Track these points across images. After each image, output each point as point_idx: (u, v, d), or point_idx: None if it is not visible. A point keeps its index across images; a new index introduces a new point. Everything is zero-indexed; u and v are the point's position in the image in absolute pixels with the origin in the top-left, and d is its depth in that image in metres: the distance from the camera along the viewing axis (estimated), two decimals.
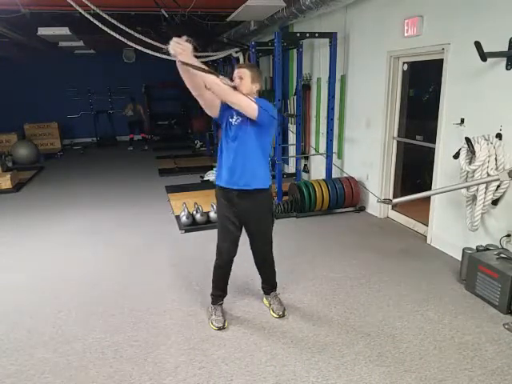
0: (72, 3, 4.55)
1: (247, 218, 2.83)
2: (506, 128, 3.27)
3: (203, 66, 2.35)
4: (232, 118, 2.68)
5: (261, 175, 2.74)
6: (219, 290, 3.02)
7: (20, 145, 9.28)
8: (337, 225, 4.98)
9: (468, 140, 3.34)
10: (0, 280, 3.76)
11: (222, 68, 8.92)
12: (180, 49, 2.21)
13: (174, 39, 2.21)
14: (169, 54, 2.26)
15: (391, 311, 3.08)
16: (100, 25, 5.00)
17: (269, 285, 3.15)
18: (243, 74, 2.64)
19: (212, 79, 2.37)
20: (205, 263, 3.94)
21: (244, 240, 2.94)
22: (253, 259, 3.05)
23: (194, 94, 2.56)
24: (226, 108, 2.66)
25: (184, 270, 3.85)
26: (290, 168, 7.50)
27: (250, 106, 2.51)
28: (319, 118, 6.37)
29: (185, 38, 2.24)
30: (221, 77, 2.39)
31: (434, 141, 4.11)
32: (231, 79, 2.62)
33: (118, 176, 7.95)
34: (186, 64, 2.26)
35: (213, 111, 2.72)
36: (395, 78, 4.69)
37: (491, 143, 3.27)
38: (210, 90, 2.47)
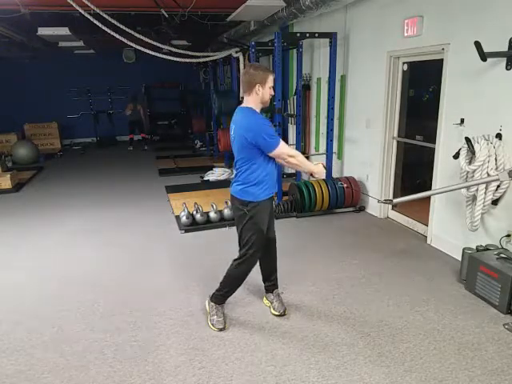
0: (72, 3, 4.57)
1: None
2: (506, 128, 3.27)
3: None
4: None
5: None
6: (232, 293, 3.02)
7: (20, 145, 9.28)
8: (337, 225, 4.98)
9: (468, 140, 3.33)
10: (0, 280, 3.76)
11: (222, 68, 8.91)
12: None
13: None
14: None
15: (391, 311, 3.09)
16: (100, 25, 5.02)
17: (273, 279, 3.15)
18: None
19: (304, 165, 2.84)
20: (205, 263, 3.96)
21: None
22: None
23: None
24: None
25: (184, 270, 3.85)
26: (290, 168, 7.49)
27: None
28: (319, 118, 6.37)
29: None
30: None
31: (433, 141, 4.11)
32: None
33: (117, 176, 7.95)
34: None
35: None
36: (395, 78, 4.69)
37: (491, 143, 3.27)
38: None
